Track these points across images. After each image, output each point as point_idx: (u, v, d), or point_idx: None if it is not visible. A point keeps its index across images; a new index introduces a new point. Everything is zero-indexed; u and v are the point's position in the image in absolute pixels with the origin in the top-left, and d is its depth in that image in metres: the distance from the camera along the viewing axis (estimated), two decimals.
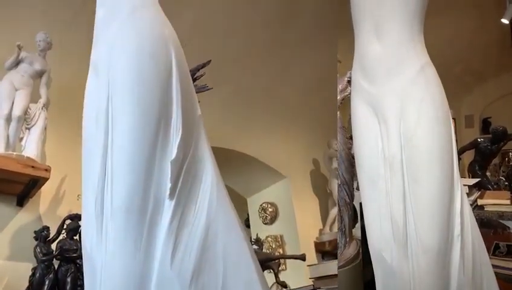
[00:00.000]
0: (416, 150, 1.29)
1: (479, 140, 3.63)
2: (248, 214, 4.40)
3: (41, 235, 2.12)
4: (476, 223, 1.38)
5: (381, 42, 1.37)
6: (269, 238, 4.02)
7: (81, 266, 2.04)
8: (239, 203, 4.35)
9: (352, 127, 1.52)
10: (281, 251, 3.93)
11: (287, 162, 4.09)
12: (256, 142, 3.85)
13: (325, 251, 3.90)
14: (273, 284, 3.07)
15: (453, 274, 1.27)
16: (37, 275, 2.05)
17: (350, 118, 1.54)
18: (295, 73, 3.78)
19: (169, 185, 1.11)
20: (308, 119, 4.06)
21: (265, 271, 2.84)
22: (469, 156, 3.83)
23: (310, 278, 3.03)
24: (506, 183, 3.64)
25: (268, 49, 3.48)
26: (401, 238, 1.30)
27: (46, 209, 2.47)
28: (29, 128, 2.36)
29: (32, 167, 2.18)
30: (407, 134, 1.30)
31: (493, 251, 2.00)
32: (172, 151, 1.13)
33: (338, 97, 2.32)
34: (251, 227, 4.28)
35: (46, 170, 2.24)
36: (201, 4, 3.03)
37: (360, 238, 2.15)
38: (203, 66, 2.08)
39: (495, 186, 3.54)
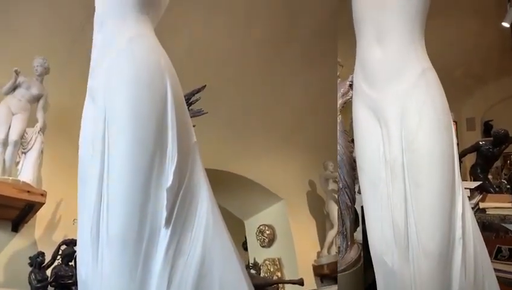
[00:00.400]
0: (417, 153, 1.29)
1: (480, 143, 3.64)
2: (246, 237, 4.37)
3: (36, 262, 2.07)
4: (477, 226, 1.37)
5: (382, 46, 1.38)
6: (267, 262, 3.98)
7: None
8: (236, 225, 4.35)
9: (353, 131, 1.52)
10: (279, 274, 3.88)
11: (283, 183, 4.07)
12: (252, 164, 3.83)
13: (324, 274, 3.86)
14: None
15: (455, 278, 1.27)
16: None
17: (352, 122, 1.55)
18: (291, 95, 3.78)
19: (164, 213, 1.10)
20: (303, 141, 4.05)
21: None
22: (471, 159, 3.84)
23: None
24: (508, 186, 3.61)
25: (263, 72, 3.48)
26: (403, 241, 1.30)
27: (41, 234, 2.42)
28: (25, 153, 2.34)
29: (28, 191, 2.15)
30: (408, 137, 1.30)
31: (495, 254, 1.98)
32: (168, 178, 1.13)
33: (340, 101, 2.32)
34: (249, 250, 4.24)
35: (41, 194, 2.20)
36: (197, 24, 3.04)
37: (361, 242, 2.15)
38: (198, 91, 2.09)
39: (497, 189, 3.53)
